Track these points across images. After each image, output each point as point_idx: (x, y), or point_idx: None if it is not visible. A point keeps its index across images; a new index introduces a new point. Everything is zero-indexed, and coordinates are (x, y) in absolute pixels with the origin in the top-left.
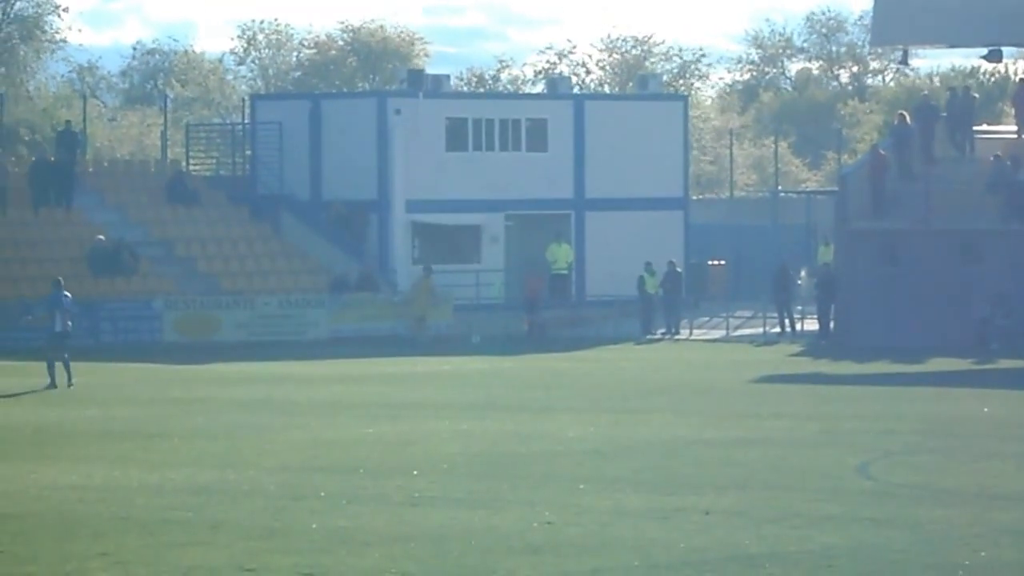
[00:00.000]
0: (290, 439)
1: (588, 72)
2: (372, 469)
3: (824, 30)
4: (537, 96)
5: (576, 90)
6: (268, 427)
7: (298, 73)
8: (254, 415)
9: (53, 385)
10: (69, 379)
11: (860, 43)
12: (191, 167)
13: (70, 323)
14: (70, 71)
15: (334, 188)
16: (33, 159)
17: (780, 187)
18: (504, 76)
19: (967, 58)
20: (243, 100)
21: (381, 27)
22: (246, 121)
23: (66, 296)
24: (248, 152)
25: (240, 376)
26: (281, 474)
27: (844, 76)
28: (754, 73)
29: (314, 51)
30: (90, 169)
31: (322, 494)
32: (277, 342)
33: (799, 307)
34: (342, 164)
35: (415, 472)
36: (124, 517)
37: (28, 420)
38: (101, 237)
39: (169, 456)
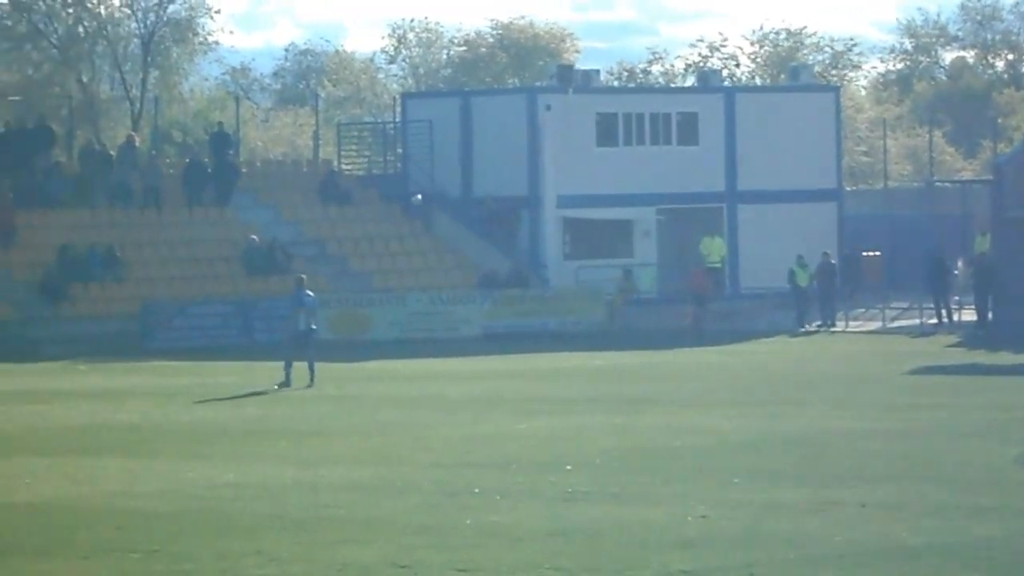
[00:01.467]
0: (443, 435)
1: (739, 65)
2: (525, 464)
3: (979, 18)
4: (688, 90)
5: (727, 83)
6: (422, 424)
7: (448, 71)
8: (407, 412)
9: (288, 383)
10: (311, 379)
11: (1016, 31)
12: (343, 166)
13: (314, 324)
14: (223, 73)
15: (485, 185)
16: (187, 160)
17: (935, 177)
18: (655, 70)
19: None
20: (394, 99)
21: (531, 23)
22: (397, 119)
23: (308, 295)
24: (399, 150)
25: (393, 373)
26: (435, 470)
27: (999, 64)
28: (907, 63)
29: (464, 48)
30: (244, 170)
31: (476, 490)
32: (429, 339)
33: (956, 297)
34: (493, 161)
35: (568, 467)
36: (279, 515)
37: (184, 419)
38: (254, 237)
39: (324, 453)
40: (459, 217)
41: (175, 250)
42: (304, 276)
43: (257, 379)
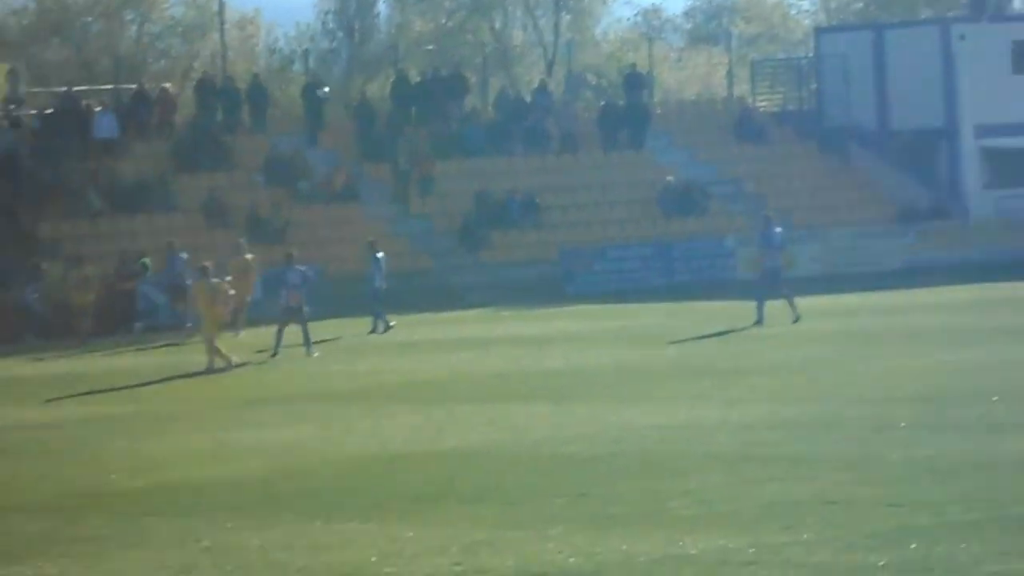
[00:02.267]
0: (868, 370)
1: None
2: (951, 397)
3: None
4: None
5: None
6: (846, 359)
7: (860, 4)
8: (831, 347)
9: (761, 321)
10: (795, 313)
11: None
12: (757, 103)
13: (780, 261)
14: (635, 14)
15: (901, 117)
16: (602, 103)
17: None
18: None
19: None
20: (807, 34)
21: None
22: (810, 55)
23: (777, 231)
24: (813, 86)
25: (816, 309)
26: (860, 406)
27: None
28: None
29: None
30: (658, 111)
31: (902, 424)
32: (851, 274)
33: None
34: (907, 93)
35: (995, 398)
36: (705, 455)
37: (606, 363)
38: (670, 178)
39: (748, 392)
40: (876, 151)
41: (592, 194)
42: (773, 213)
43: (678, 320)
